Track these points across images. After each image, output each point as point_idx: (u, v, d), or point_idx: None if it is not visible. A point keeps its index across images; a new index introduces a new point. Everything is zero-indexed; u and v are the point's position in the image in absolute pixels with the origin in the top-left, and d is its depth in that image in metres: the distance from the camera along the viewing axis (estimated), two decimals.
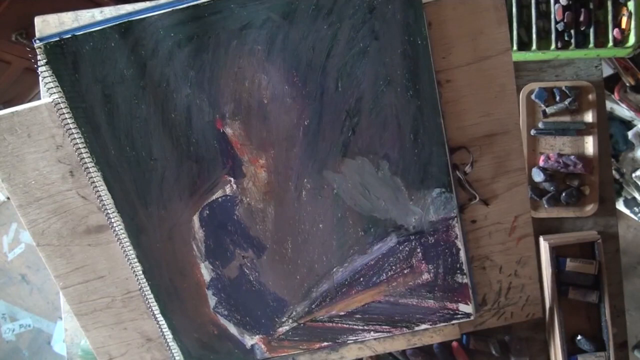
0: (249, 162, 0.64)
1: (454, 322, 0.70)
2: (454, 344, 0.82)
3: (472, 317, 0.70)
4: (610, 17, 0.86)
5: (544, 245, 0.83)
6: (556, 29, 0.87)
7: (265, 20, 0.59)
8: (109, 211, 0.65)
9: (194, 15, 0.58)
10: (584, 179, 0.87)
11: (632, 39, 0.85)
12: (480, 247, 0.68)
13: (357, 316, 0.70)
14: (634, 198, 1.53)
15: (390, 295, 0.69)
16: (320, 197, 0.65)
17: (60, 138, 0.64)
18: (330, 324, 0.70)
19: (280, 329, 0.71)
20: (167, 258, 0.67)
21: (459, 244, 0.66)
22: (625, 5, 0.86)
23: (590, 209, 0.86)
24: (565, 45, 0.88)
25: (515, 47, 0.88)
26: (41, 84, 0.83)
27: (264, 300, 0.69)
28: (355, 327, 0.70)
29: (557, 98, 0.87)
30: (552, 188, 0.87)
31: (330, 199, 0.65)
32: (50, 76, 0.60)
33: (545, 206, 0.87)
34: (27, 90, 1.72)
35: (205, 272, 0.68)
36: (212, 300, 0.69)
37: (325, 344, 0.72)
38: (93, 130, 0.62)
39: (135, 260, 0.67)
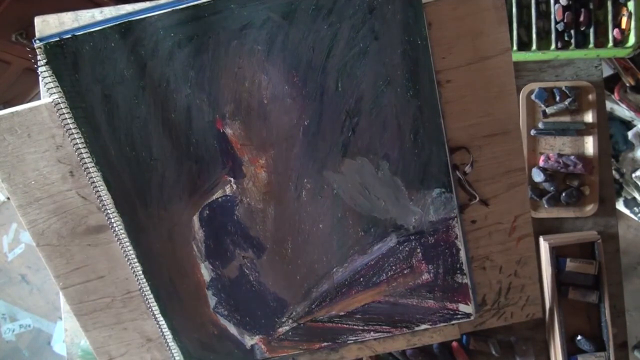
0: (249, 162, 0.64)
1: (453, 322, 0.70)
2: (454, 344, 0.82)
3: (472, 317, 0.70)
4: (610, 17, 0.86)
5: (544, 245, 0.83)
6: (556, 29, 0.87)
7: (265, 20, 0.59)
8: (109, 211, 0.65)
9: (194, 15, 0.58)
10: (584, 179, 0.87)
11: (632, 39, 0.85)
12: (480, 247, 0.68)
13: (357, 316, 0.70)
14: (634, 198, 1.53)
15: (390, 295, 0.69)
16: (320, 197, 0.65)
17: (60, 138, 0.64)
18: (330, 324, 0.70)
19: (280, 329, 0.71)
20: (167, 258, 0.67)
21: (459, 244, 0.66)
22: (625, 5, 0.86)
23: (590, 209, 0.86)
24: (565, 45, 0.88)
25: (515, 47, 0.88)
26: (41, 84, 0.83)
27: (264, 301, 0.69)
28: (355, 327, 0.70)
29: (557, 98, 0.87)
30: (552, 188, 0.87)
31: (330, 199, 0.65)
32: (50, 76, 0.60)
33: (545, 206, 0.87)
34: (27, 90, 1.72)
35: (205, 272, 0.68)
36: (212, 301, 0.69)
37: (325, 344, 0.72)
38: (93, 130, 0.62)
39: (135, 260, 0.67)
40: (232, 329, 0.71)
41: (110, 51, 0.59)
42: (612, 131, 1.49)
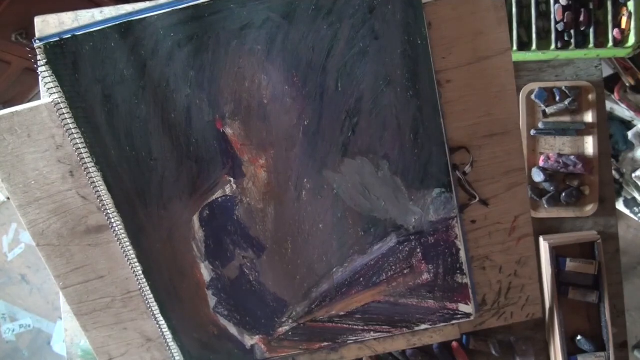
0: (249, 162, 0.64)
1: (454, 322, 0.70)
2: (454, 344, 0.82)
3: (472, 317, 0.70)
4: (610, 17, 0.86)
5: (544, 245, 0.83)
6: (556, 29, 0.87)
7: (265, 20, 0.59)
8: (109, 211, 0.65)
9: (194, 15, 0.58)
10: (584, 179, 0.86)
11: (632, 39, 0.85)
12: (480, 247, 0.68)
13: (357, 316, 0.70)
14: (634, 198, 1.53)
15: (390, 295, 0.69)
16: (320, 197, 0.65)
17: (60, 138, 0.64)
18: (330, 324, 0.70)
19: (280, 329, 0.71)
20: (167, 258, 0.67)
21: (459, 244, 0.66)
22: (625, 5, 0.86)
23: (590, 209, 0.86)
24: (565, 46, 0.88)
25: (515, 47, 0.88)
26: (41, 84, 0.83)
27: (264, 301, 0.69)
28: (355, 327, 0.70)
29: (557, 98, 0.87)
30: (552, 188, 0.87)
31: (330, 199, 0.65)
32: (50, 76, 0.60)
33: (545, 206, 0.87)
34: (27, 90, 1.72)
35: (205, 272, 0.68)
36: (212, 301, 0.69)
37: (325, 344, 0.72)
38: (93, 130, 0.62)
39: (135, 260, 0.67)
40: (232, 329, 0.71)
41: (110, 51, 0.59)
42: (612, 131, 1.49)
